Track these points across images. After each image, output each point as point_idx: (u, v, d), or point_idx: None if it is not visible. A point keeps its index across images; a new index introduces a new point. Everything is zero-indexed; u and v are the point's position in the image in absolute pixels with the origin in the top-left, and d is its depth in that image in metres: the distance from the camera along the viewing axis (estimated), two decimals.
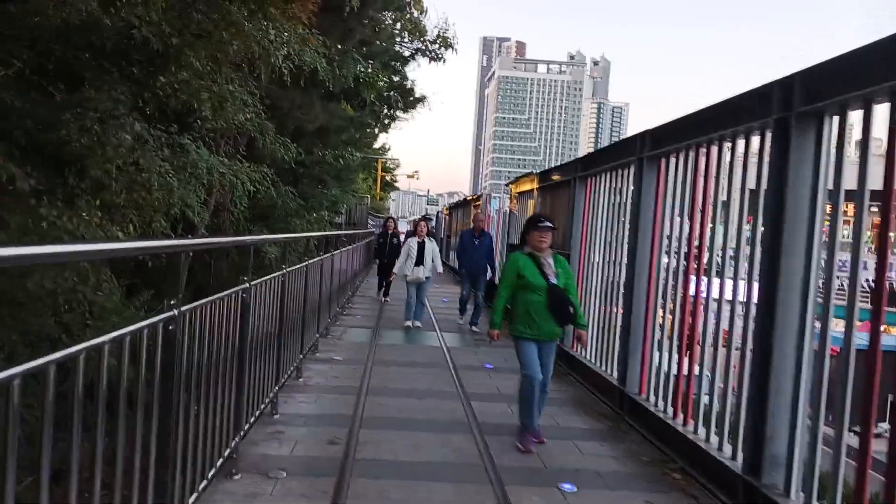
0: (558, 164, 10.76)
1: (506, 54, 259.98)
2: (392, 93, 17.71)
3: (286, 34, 6.47)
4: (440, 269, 10.18)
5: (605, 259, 6.46)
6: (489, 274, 10.03)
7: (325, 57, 8.18)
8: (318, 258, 7.62)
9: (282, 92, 11.34)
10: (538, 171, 9.40)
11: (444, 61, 19.04)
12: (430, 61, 18.90)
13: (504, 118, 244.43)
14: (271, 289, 4.54)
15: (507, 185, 11.44)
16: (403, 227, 24.18)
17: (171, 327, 2.48)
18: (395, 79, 18.09)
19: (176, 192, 5.38)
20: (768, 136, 3.61)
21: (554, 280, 4.62)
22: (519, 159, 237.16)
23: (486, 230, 10.70)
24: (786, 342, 3.32)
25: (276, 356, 4.99)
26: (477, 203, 16.15)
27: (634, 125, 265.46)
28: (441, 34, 18.59)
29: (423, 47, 18.75)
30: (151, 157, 5.14)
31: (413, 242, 9.86)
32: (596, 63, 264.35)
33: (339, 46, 9.37)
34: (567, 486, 3.84)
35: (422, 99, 19.09)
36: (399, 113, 19.00)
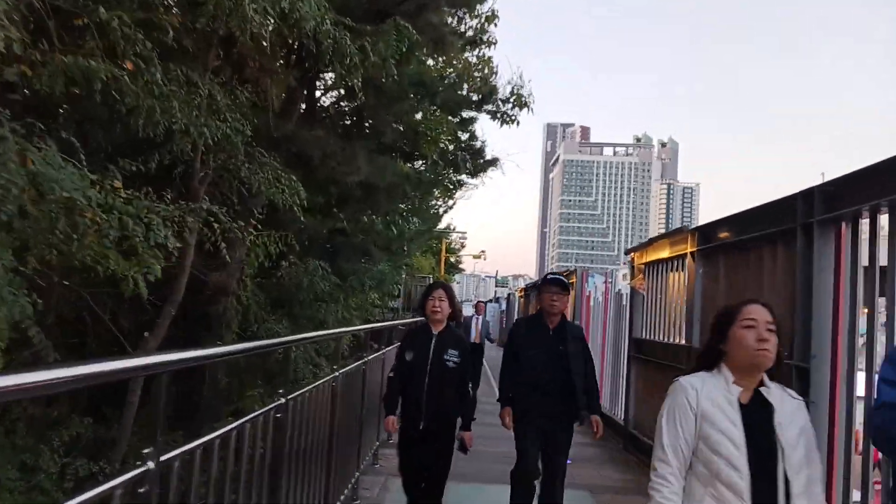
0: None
1: (570, 139, 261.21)
2: (460, 153, 14.93)
3: None
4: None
5: None
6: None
7: (346, 27, 5.22)
8: (362, 361, 4.91)
9: (311, 136, 8.56)
10: (693, 226, 5.92)
11: (518, 123, 16.28)
12: (501, 124, 16.19)
13: (570, 201, 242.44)
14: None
15: (627, 252, 7.98)
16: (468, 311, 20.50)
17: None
18: (463, 136, 15.36)
19: None
20: None
21: None
22: (586, 240, 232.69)
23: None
24: None
25: None
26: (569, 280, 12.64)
27: (707, 205, 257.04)
28: (515, 90, 15.92)
29: (494, 108, 16.13)
30: None
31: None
32: (664, 145, 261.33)
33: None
34: None
35: (493, 161, 16.16)
36: (466, 177, 16.13)
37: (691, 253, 5.86)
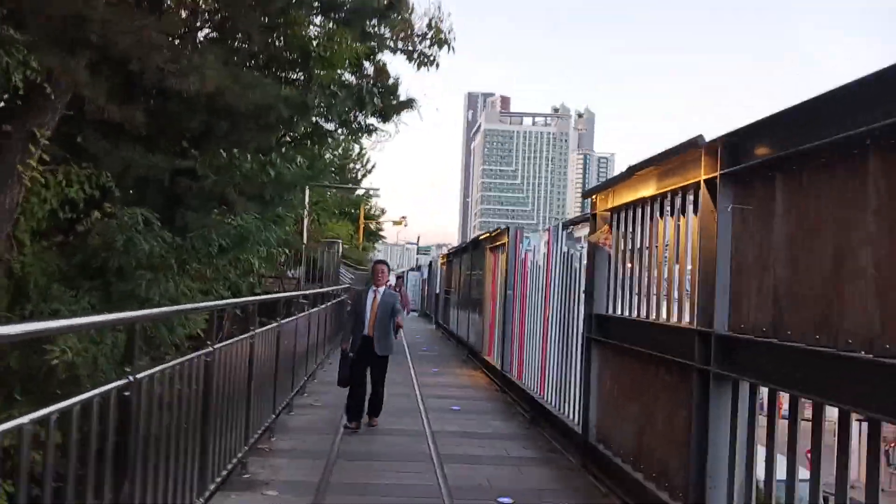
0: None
1: (491, 108, 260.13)
2: (366, 84, 12.28)
3: None
4: None
5: None
6: None
7: None
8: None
9: (124, 22, 5.71)
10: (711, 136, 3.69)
11: (438, 66, 13.76)
12: (418, 66, 13.63)
13: (491, 170, 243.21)
14: None
15: (585, 195, 5.76)
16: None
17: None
18: (368, 68, 12.66)
19: None
20: None
21: None
22: (508, 209, 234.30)
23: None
24: None
25: None
26: (497, 243, 10.43)
27: None
28: (434, 24, 13.35)
29: (409, 47, 13.54)
30: None
31: None
32: (580, 115, 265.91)
33: None
34: None
35: (409, 103, 13.57)
36: (377, 121, 13.44)
37: (707, 181, 3.65)
